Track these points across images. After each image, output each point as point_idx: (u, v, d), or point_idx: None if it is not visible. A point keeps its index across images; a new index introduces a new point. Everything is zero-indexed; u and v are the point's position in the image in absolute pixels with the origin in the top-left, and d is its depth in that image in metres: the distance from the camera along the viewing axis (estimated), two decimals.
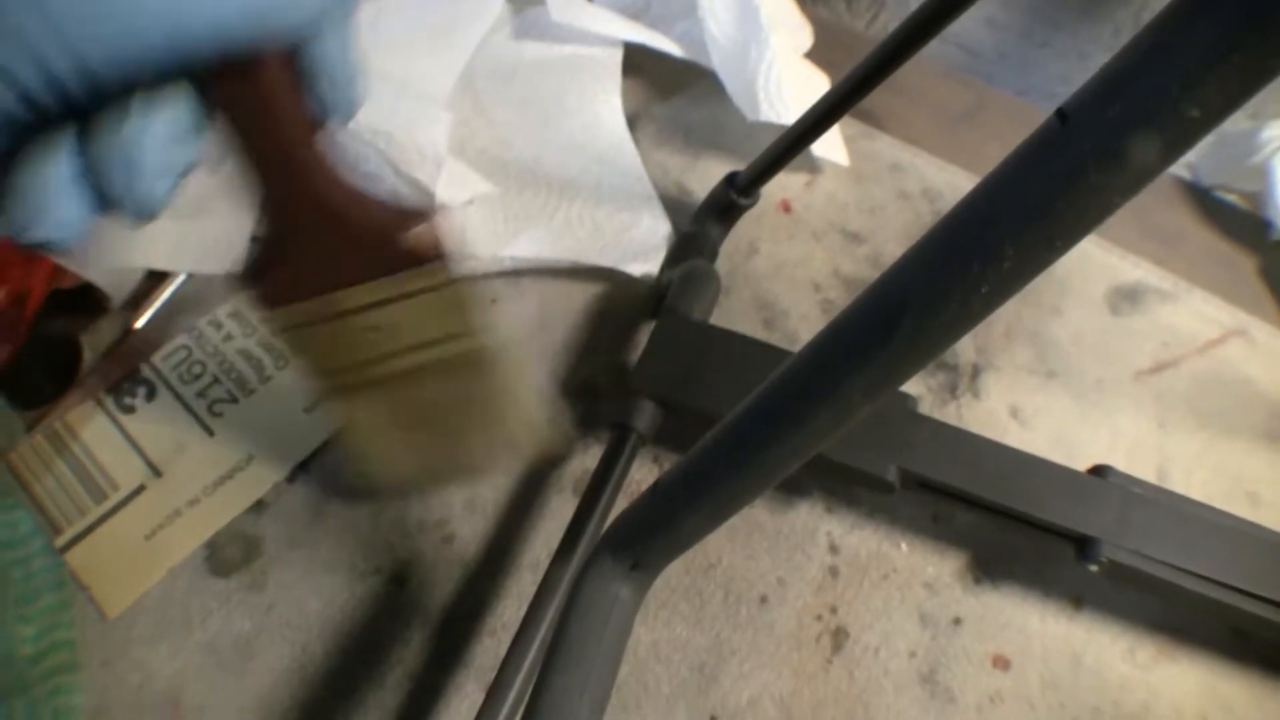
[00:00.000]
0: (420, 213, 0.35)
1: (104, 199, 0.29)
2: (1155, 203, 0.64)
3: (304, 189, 0.33)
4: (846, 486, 0.51)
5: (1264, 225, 0.63)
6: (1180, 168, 0.68)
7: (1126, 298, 0.59)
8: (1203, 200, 0.65)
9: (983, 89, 0.69)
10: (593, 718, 0.34)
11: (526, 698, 0.35)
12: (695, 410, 0.47)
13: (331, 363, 0.38)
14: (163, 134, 0.28)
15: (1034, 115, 0.64)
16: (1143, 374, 0.57)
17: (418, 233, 0.35)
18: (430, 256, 0.35)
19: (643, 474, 0.50)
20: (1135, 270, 0.60)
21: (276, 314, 0.37)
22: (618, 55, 0.61)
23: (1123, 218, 0.64)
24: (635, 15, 0.63)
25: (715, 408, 0.46)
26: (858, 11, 0.83)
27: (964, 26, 0.73)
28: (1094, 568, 0.46)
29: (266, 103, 0.31)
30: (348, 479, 0.50)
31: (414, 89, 0.56)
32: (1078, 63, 0.81)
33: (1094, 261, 0.60)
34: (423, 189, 0.50)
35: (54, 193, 0.28)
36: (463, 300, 0.37)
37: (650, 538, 0.36)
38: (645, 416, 0.46)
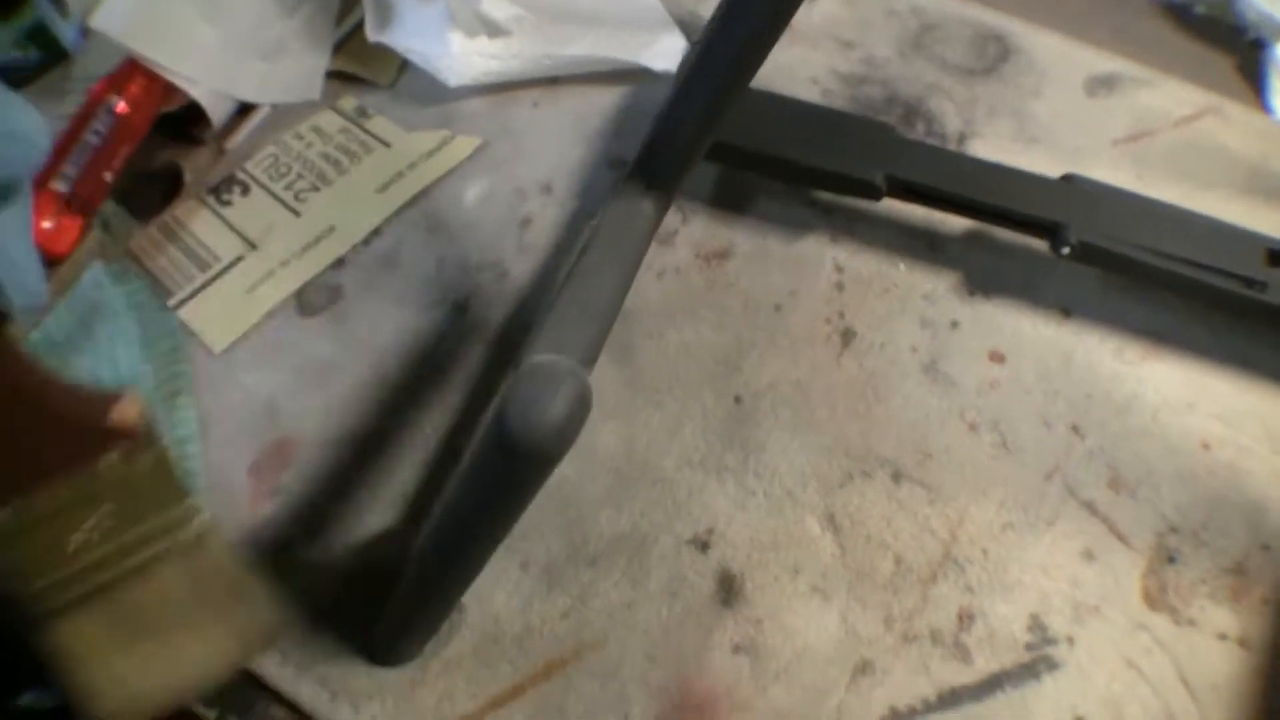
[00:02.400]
0: (114, 393, 0.35)
1: None
2: (1130, 17, 0.70)
3: None
4: (850, 223, 0.57)
5: (1237, 30, 0.70)
6: None
7: (1103, 84, 0.66)
8: (1176, 14, 0.71)
9: None
10: (615, 290, 0.41)
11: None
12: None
13: (41, 576, 0.35)
14: None
15: None
16: (1120, 142, 0.63)
17: (118, 409, 0.35)
18: (131, 433, 0.35)
19: (673, 223, 0.57)
20: (1111, 63, 0.66)
21: None
22: None
23: (1099, 26, 0.70)
24: None
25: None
26: None
27: None
28: (1065, 250, 0.51)
29: None
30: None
31: None
32: None
33: (1071, 56, 0.67)
34: None
35: None
36: (170, 470, 0.36)
37: (659, 158, 0.44)
38: None
